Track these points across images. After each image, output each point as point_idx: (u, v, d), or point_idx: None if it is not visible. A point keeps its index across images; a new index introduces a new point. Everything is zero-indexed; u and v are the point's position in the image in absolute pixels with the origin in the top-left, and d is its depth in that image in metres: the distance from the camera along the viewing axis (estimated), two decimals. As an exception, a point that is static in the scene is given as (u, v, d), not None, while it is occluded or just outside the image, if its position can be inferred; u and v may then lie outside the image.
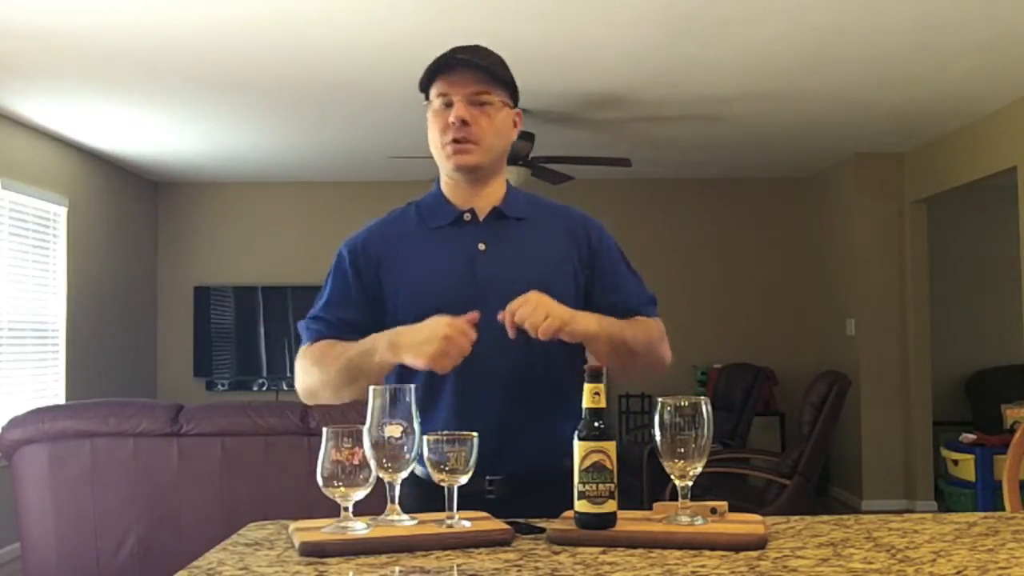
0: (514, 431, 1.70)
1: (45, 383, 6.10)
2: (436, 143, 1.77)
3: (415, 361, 1.59)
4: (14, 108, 5.47)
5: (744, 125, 6.06)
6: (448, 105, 1.73)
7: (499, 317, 1.61)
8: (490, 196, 1.81)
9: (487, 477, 1.70)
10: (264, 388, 7.81)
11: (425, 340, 1.58)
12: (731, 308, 7.81)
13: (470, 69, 1.73)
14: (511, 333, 1.60)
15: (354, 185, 7.85)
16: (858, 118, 5.93)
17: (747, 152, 6.95)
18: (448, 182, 1.82)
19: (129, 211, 7.43)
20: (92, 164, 6.76)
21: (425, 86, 1.77)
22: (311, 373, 1.74)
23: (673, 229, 7.81)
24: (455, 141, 1.73)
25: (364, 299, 1.77)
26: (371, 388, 1.39)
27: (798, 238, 7.96)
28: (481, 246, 1.76)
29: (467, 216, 1.79)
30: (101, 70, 4.74)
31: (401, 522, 1.36)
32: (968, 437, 6.06)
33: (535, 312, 1.59)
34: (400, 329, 1.64)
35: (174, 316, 7.90)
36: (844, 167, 7.21)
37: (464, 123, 1.72)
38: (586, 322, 1.67)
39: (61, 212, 6.31)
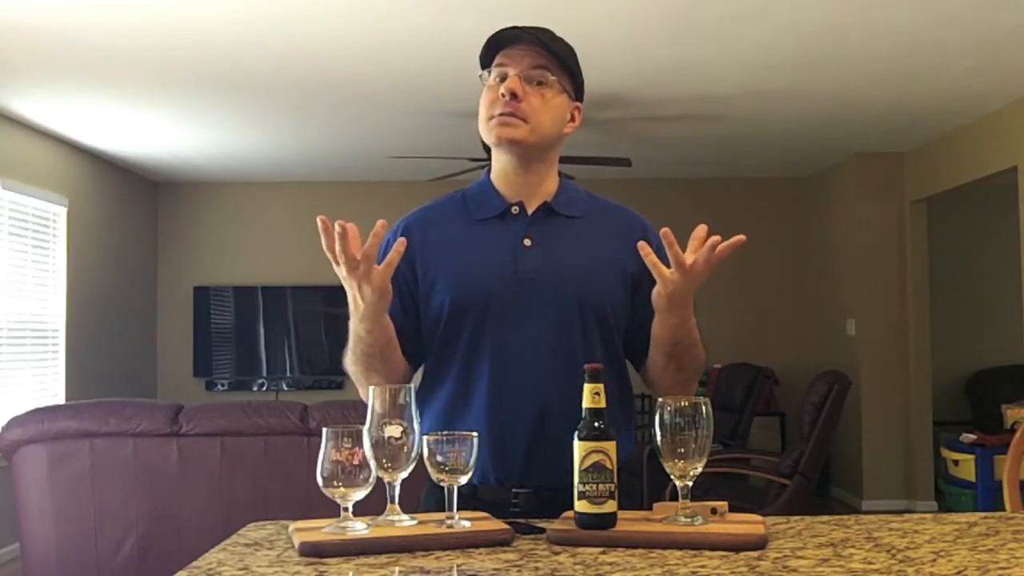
0: (547, 439, 1.59)
1: (45, 383, 6.10)
2: (483, 117, 1.66)
3: (355, 299, 1.51)
4: (14, 108, 5.47)
5: (744, 124, 6.06)
6: (503, 79, 1.63)
7: (662, 233, 1.52)
8: (541, 189, 1.70)
9: (513, 489, 1.62)
10: (264, 388, 7.81)
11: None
12: (731, 308, 7.81)
13: (533, 44, 1.63)
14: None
15: (354, 185, 7.85)
16: (858, 118, 5.93)
17: (747, 152, 6.95)
18: (498, 172, 1.72)
19: (129, 211, 7.43)
20: (92, 164, 6.76)
21: (485, 61, 1.67)
22: (354, 374, 1.66)
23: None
24: (501, 114, 1.62)
25: (396, 288, 1.62)
26: (371, 388, 1.39)
27: (798, 238, 7.96)
28: (527, 241, 1.66)
29: (515, 209, 1.68)
30: (102, 70, 4.74)
31: (401, 522, 1.35)
32: (968, 437, 6.06)
33: (695, 279, 1.52)
34: None
35: (174, 316, 7.90)
36: (844, 167, 7.21)
37: (515, 96, 1.60)
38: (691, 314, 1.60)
39: (61, 212, 6.31)
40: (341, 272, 1.49)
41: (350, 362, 1.64)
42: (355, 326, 1.58)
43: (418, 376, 1.75)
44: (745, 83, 5.10)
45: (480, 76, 1.69)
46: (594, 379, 1.40)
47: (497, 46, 1.66)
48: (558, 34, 1.71)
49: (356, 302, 1.53)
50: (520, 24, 1.70)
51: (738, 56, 4.62)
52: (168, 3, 3.86)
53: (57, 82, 4.96)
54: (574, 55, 1.71)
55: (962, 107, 5.65)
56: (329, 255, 1.47)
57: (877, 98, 5.44)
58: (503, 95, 1.61)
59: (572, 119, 1.72)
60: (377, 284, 1.49)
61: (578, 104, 1.74)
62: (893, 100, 5.48)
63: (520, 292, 1.62)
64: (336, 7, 3.94)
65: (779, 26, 4.19)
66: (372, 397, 1.37)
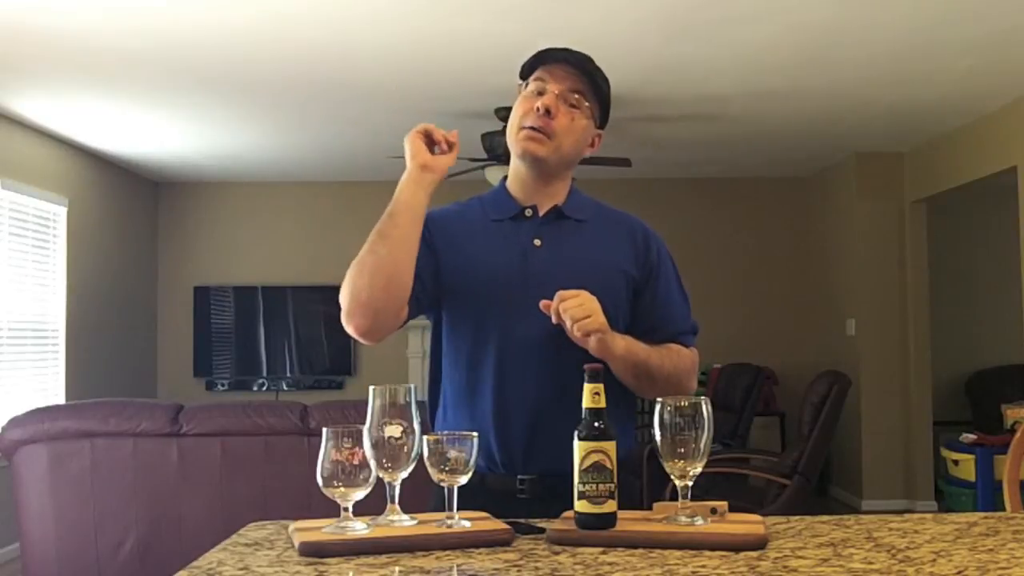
0: (550, 428, 1.65)
1: (45, 383, 6.10)
2: (514, 125, 1.76)
3: (410, 152, 1.72)
4: (14, 108, 5.47)
5: (744, 125, 6.06)
6: (540, 93, 1.72)
7: (542, 304, 1.60)
8: (553, 196, 1.79)
9: (518, 476, 1.69)
10: (264, 388, 7.81)
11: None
12: (731, 308, 7.81)
13: (575, 68, 1.73)
14: (554, 319, 1.59)
15: (354, 185, 7.85)
16: (858, 118, 5.93)
17: (747, 152, 6.95)
18: (515, 178, 1.82)
19: (129, 211, 7.43)
20: (92, 164, 6.76)
21: (526, 73, 1.77)
22: (346, 281, 1.69)
23: (673, 229, 7.77)
24: (532, 128, 1.71)
25: (428, 257, 1.73)
26: (371, 388, 1.39)
27: (798, 238, 7.96)
28: (536, 242, 1.75)
29: (528, 212, 1.78)
30: (102, 70, 4.74)
31: (401, 522, 1.36)
32: (968, 437, 6.06)
33: (581, 307, 1.58)
34: None
35: (174, 316, 7.90)
36: (844, 167, 7.21)
37: (548, 113, 1.70)
38: (615, 341, 1.64)
39: (61, 212, 6.31)
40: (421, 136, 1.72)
41: (358, 260, 1.68)
42: (396, 197, 1.69)
43: (425, 375, 1.84)
44: (745, 83, 5.10)
45: (519, 86, 1.79)
46: (594, 379, 1.40)
47: (541, 62, 1.75)
48: (564, 40, 1.80)
49: (415, 164, 1.71)
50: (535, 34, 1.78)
51: (738, 56, 4.62)
52: (168, 3, 3.86)
53: (57, 82, 4.96)
54: (609, 84, 1.78)
55: (962, 107, 5.65)
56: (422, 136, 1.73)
57: (877, 98, 5.44)
58: (537, 109, 1.70)
59: (592, 144, 1.81)
60: (445, 164, 1.72)
61: (600, 132, 1.82)
62: (893, 100, 5.48)
63: (528, 287, 1.69)
64: (336, 8, 3.94)
65: (779, 27, 4.19)
66: (372, 397, 1.38)
